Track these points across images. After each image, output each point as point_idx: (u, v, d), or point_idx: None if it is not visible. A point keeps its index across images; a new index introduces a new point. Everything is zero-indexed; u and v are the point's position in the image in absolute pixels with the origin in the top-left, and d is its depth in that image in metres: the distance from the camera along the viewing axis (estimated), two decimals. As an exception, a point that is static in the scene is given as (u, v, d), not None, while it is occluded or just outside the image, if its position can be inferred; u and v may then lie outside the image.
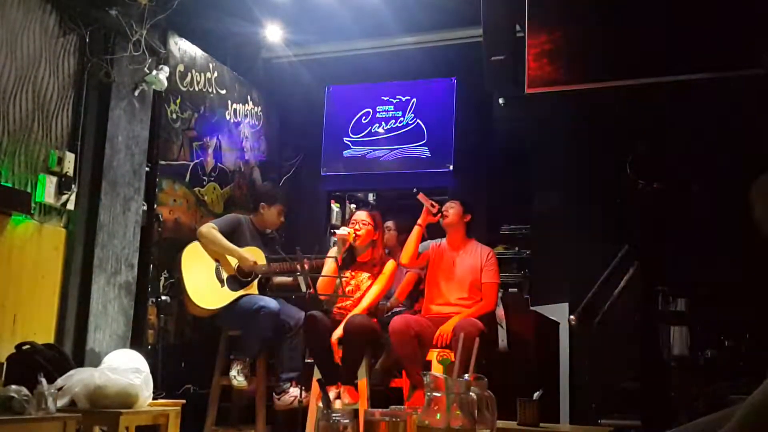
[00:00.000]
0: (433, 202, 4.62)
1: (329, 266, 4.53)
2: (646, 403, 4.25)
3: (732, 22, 3.78)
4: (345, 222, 5.03)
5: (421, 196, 4.60)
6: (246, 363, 4.44)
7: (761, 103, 3.89)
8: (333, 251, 4.68)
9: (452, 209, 4.61)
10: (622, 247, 4.77)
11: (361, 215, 4.66)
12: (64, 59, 4.22)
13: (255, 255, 4.71)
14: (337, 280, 4.49)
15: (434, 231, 5.06)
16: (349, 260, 4.66)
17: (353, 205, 6.65)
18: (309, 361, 4.51)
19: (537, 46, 4.34)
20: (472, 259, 4.58)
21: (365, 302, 4.51)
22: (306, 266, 4.25)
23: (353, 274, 4.63)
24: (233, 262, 4.67)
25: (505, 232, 6.07)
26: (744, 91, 3.99)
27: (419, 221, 4.61)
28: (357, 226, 4.58)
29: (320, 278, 4.50)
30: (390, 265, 4.65)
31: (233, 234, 4.72)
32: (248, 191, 5.81)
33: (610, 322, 4.79)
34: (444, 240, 4.71)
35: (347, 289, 4.59)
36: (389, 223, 5.52)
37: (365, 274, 4.62)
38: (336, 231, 4.70)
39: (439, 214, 4.61)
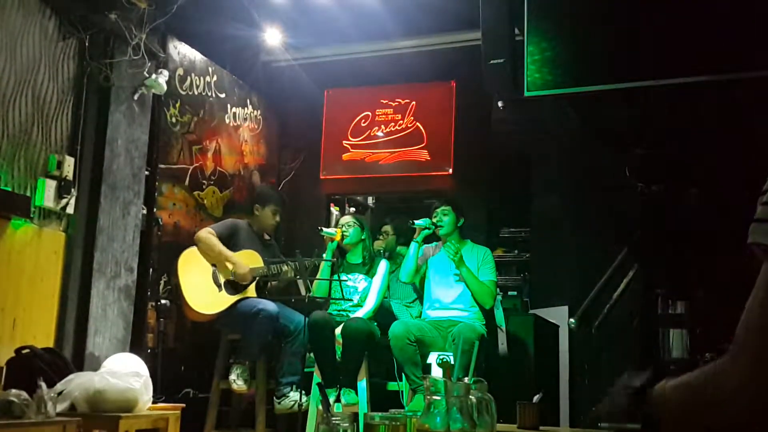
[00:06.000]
0: (429, 224, 4.62)
1: (325, 269, 4.65)
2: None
3: (731, 24, 3.78)
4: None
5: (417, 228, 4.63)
6: (246, 367, 4.44)
7: (761, 105, 3.89)
8: (328, 255, 4.73)
9: (446, 217, 4.60)
10: (622, 250, 4.77)
11: (347, 218, 4.88)
12: (64, 63, 4.23)
13: (252, 259, 4.69)
14: (335, 283, 4.55)
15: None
16: (342, 263, 4.78)
17: (352, 208, 6.67)
18: (308, 371, 4.49)
19: (536, 50, 4.34)
20: (469, 261, 4.58)
21: (371, 305, 4.59)
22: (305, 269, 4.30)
23: (348, 276, 4.72)
24: (230, 266, 4.66)
25: (504, 236, 6.09)
26: (743, 93, 3.99)
27: (417, 238, 4.62)
28: (344, 228, 4.73)
29: (318, 281, 4.59)
30: (383, 264, 4.75)
31: (231, 238, 4.71)
32: (248, 195, 5.81)
33: (610, 325, 4.79)
34: (439, 244, 4.71)
35: (345, 291, 4.63)
36: (387, 228, 5.55)
37: (359, 274, 4.73)
38: (323, 230, 4.75)
39: (435, 227, 4.61)
